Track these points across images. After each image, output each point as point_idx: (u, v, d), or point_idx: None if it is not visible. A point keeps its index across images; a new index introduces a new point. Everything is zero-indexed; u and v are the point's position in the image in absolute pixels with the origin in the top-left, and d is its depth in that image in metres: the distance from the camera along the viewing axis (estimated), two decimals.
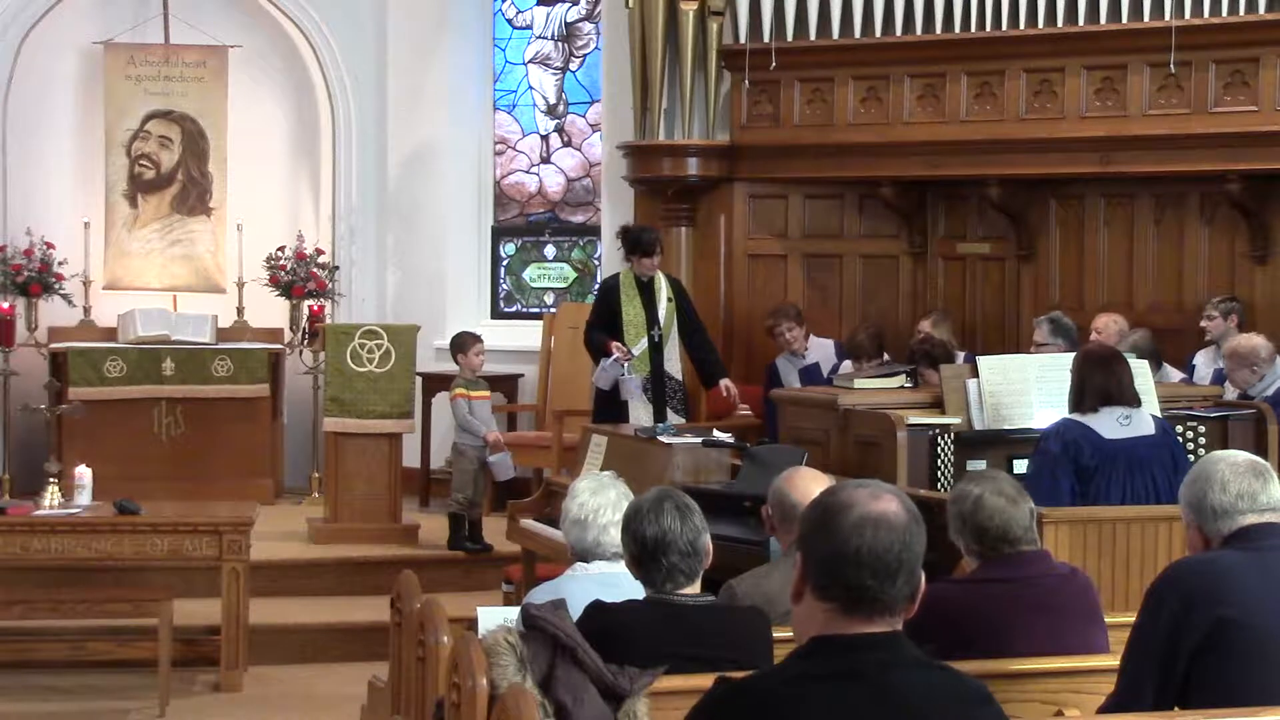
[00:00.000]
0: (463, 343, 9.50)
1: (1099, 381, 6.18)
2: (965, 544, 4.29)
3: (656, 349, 9.26)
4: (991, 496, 4.22)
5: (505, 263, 11.90)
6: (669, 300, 9.35)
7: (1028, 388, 6.73)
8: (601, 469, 6.82)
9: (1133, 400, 6.21)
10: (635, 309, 9.25)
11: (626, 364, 9.09)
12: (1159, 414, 6.63)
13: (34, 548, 7.55)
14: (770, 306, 10.02)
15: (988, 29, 9.39)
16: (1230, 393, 7.87)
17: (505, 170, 11.92)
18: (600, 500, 4.58)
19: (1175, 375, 8.45)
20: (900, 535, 2.63)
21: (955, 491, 4.38)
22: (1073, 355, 6.58)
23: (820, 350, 9.75)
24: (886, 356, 8.99)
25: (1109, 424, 6.13)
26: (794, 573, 2.70)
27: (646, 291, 9.30)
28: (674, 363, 9.36)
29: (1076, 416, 6.19)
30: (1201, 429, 6.86)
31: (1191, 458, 6.61)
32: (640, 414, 9.07)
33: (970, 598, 4.18)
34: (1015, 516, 4.22)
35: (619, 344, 9.10)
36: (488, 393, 9.60)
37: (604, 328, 9.25)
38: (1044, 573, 4.24)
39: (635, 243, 9.28)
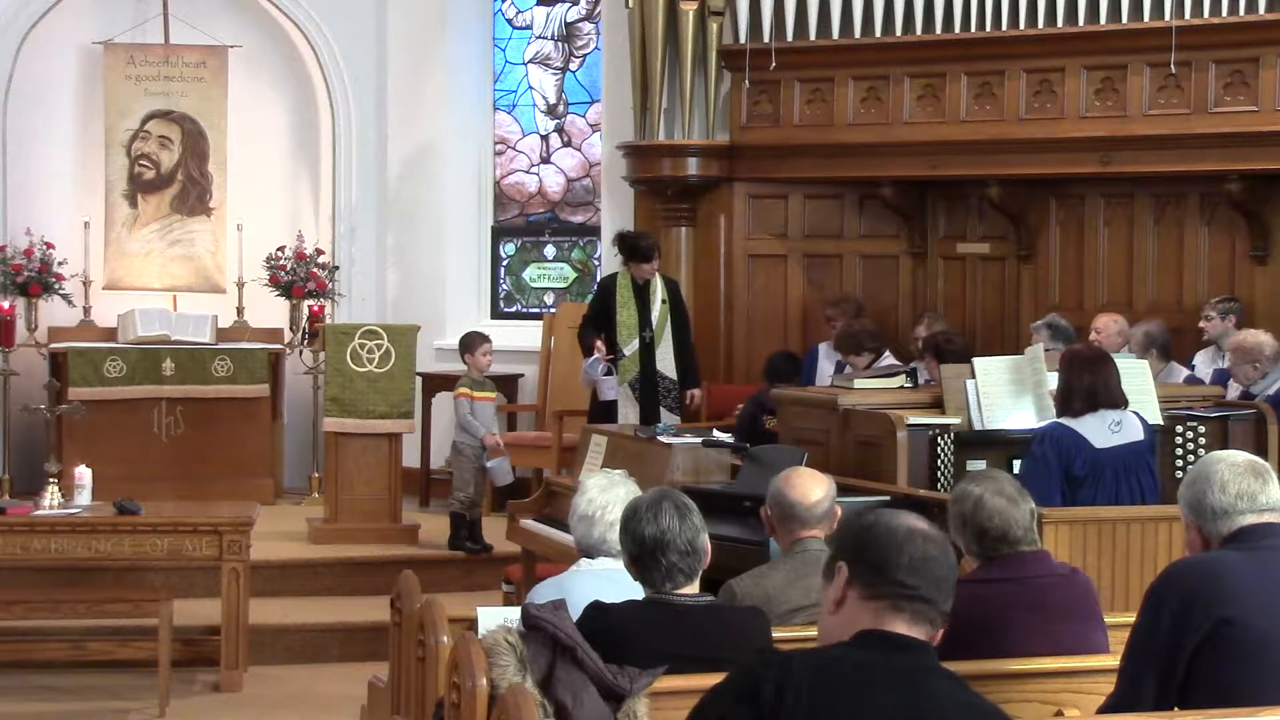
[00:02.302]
0: (470, 342, 9.48)
1: (1086, 383, 6.17)
2: (965, 544, 4.28)
3: (648, 349, 9.34)
4: (992, 497, 4.22)
5: (505, 263, 11.89)
6: (663, 302, 9.44)
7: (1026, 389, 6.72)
8: (601, 469, 6.81)
9: (1120, 402, 6.20)
10: (629, 311, 9.37)
11: (604, 365, 9.18)
12: (1158, 416, 6.62)
13: (34, 548, 7.55)
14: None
15: (988, 29, 9.39)
16: (1232, 391, 7.87)
17: (505, 170, 11.92)
18: (608, 498, 4.62)
19: (1182, 373, 8.43)
20: (945, 551, 2.85)
21: (956, 491, 4.37)
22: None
23: None
24: (889, 356, 8.96)
25: (1100, 431, 6.12)
26: (835, 583, 2.82)
27: (641, 294, 9.38)
28: (667, 362, 9.44)
29: (1066, 421, 6.17)
30: (1201, 429, 6.85)
31: (1191, 458, 6.62)
32: (629, 412, 9.14)
33: (970, 598, 4.16)
34: (1016, 517, 4.21)
35: (600, 344, 9.23)
36: (493, 394, 9.58)
37: (597, 325, 9.39)
38: (1044, 573, 4.24)
39: (633, 250, 9.40)
